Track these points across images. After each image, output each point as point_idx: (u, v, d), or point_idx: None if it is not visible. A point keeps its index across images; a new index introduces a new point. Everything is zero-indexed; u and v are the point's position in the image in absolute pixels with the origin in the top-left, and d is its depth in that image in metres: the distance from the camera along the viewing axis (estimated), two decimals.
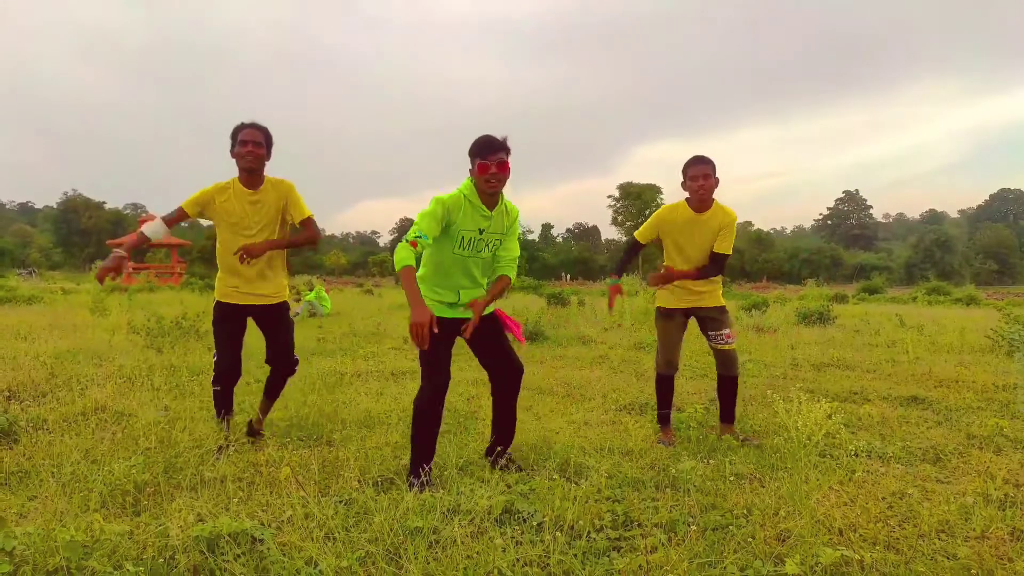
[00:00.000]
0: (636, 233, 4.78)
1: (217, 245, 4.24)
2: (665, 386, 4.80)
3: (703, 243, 4.55)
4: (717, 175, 4.44)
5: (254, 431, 4.41)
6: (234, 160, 4.08)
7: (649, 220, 4.72)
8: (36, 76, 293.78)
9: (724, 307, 4.69)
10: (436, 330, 3.27)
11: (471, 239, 3.58)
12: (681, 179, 4.52)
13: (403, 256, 3.35)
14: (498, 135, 3.53)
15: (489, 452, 3.93)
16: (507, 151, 3.50)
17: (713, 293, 4.66)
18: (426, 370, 3.59)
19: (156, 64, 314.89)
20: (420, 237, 3.37)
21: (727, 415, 4.76)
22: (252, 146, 4.02)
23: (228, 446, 4.00)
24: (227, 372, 4.19)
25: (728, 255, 4.58)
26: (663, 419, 4.78)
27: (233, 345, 4.22)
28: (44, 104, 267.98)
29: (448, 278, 3.66)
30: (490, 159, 3.46)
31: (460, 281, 3.69)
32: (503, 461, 3.76)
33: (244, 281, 4.16)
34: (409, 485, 3.43)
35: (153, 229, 4.13)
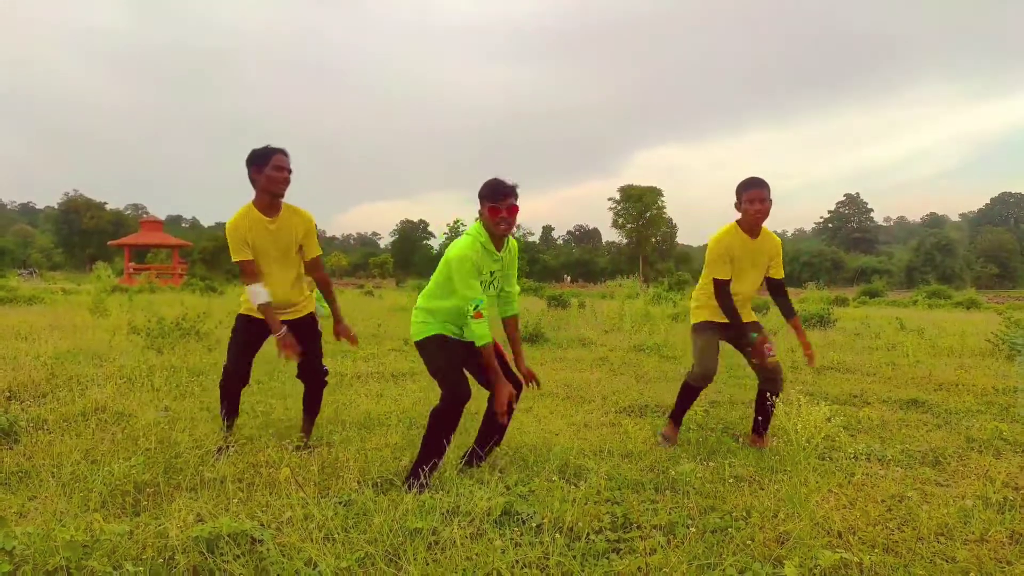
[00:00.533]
0: (715, 275, 4.37)
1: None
2: (692, 395, 4.65)
3: (760, 268, 4.48)
4: (771, 197, 4.28)
5: (305, 446, 4.29)
6: (255, 182, 3.91)
7: (717, 253, 4.36)
8: (37, 76, 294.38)
9: (758, 323, 4.56)
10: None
11: (484, 282, 3.67)
12: (735, 201, 4.34)
13: (485, 332, 3.50)
14: (508, 181, 3.62)
15: (470, 458, 3.92)
16: (516, 196, 3.60)
17: (746, 309, 4.59)
18: (449, 379, 3.62)
19: (157, 64, 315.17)
20: (480, 305, 3.50)
21: (762, 427, 4.61)
22: (287, 173, 3.92)
23: (228, 447, 4.00)
24: (234, 376, 4.17)
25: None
26: (677, 417, 4.70)
27: (246, 354, 4.19)
28: (45, 104, 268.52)
29: (459, 317, 3.71)
30: (501, 204, 3.55)
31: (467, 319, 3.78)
32: (478, 461, 3.85)
33: (279, 303, 4.07)
34: (408, 486, 3.44)
35: (260, 291, 3.95)
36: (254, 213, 3.95)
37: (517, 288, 4.00)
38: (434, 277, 3.75)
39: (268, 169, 3.86)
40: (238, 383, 4.21)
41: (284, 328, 3.88)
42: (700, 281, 4.65)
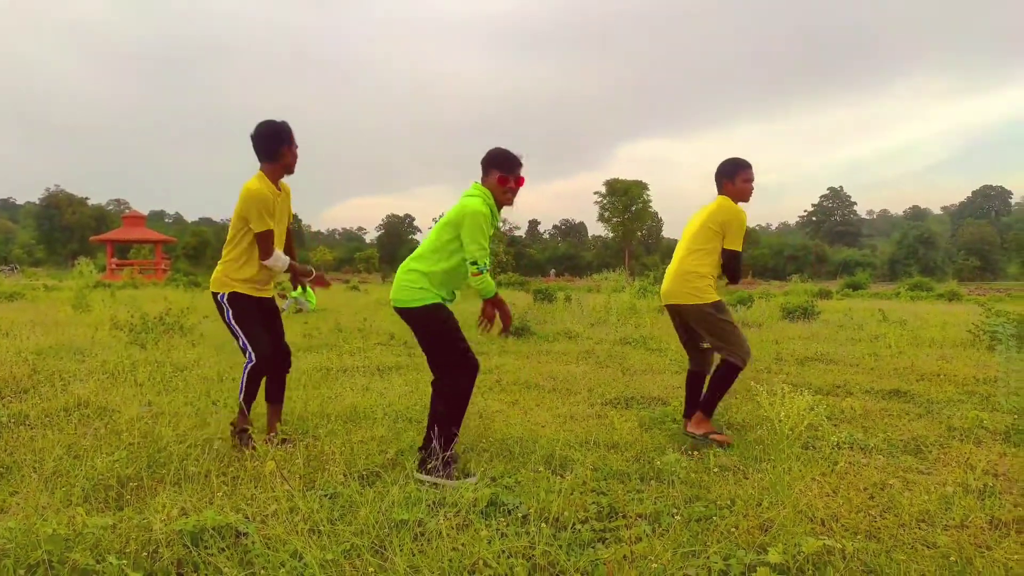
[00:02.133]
0: (738, 247, 4.45)
1: (243, 239, 4.01)
2: (735, 378, 4.51)
3: None
4: None
5: (281, 441, 4.09)
6: (282, 156, 3.99)
7: (743, 227, 4.45)
8: (17, 70, 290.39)
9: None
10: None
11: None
12: (729, 180, 4.55)
13: (489, 283, 3.57)
14: (514, 150, 3.69)
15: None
16: (522, 167, 3.69)
17: None
18: (463, 349, 3.65)
19: (140, 58, 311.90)
20: (486, 266, 3.53)
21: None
22: (297, 149, 4.08)
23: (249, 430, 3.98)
24: (274, 358, 4.13)
25: None
26: (712, 409, 4.53)
27: (273, 329, 4.19)
28: (25, 98, 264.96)
29: (456, 280, 3.72)
30: (511, 174, 3.63)
31: (460, 284, 3.80)
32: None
33: (263, 278, 4.11)
34: (447, 475, 3.43)
35: (281, 257, 4.04)
36: (265, 182, 3.99)
37: None
38: (436, 236, 3.67)
39: (295, 147, 4.02)
40: (280, 364, 4.21)
41: (312, 270, 3.99)
42: (701, 259, 4.47)
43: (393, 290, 3.74)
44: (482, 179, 3.71)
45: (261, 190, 3.91)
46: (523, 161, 3.69)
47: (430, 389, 3.74)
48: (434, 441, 3.49)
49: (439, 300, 3.66)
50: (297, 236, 4.32)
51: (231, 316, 4.06)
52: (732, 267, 4.47)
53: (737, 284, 4.56)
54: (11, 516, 2.86)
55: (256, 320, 4.10)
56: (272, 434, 4.06)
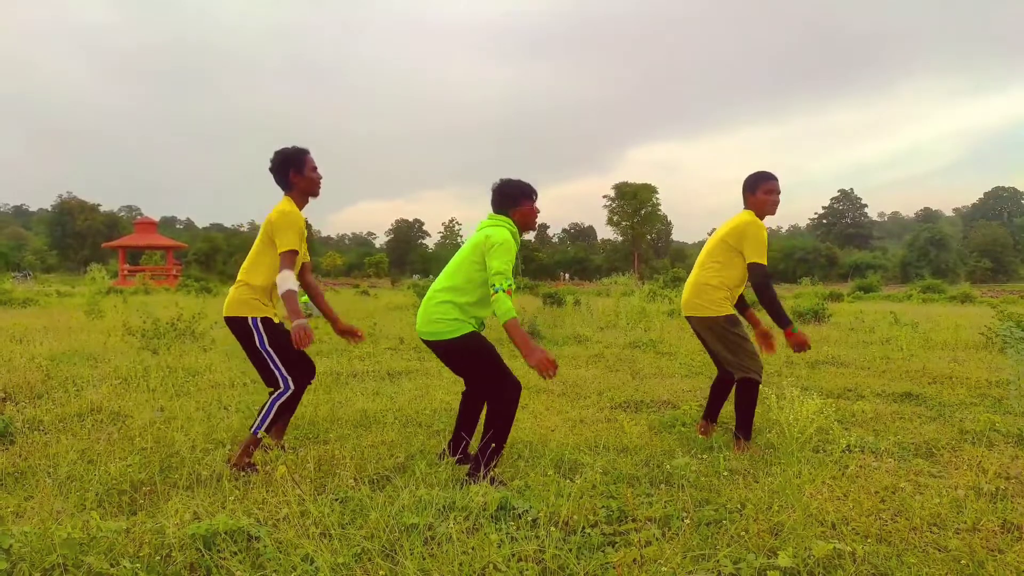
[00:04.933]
0: (761, 260, 4.29)
1: (269, 264, 3.85)
2: (757, 393, 4.42)
3: None
4: None
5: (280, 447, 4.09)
6: (294, 185, 3.89)
7: (763, 240, 4.33)
8: (30, 78, 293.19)
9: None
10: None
11: (512, 270, 3.75)
12: (751, 193, 4.44)
13: (509, 306, 3.46)
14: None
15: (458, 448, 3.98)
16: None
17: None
18: (504, 371, 3.70)
19: (150, 65, 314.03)
20: (512, 285, 3.55)
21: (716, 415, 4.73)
22: (318, 173, 3.99)
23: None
24: (307, 373, 4.08)
25: None
26: (750, 433, 4.43)
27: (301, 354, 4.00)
28: (38, 105, 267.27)
29: (481, 308, 3.76)
30: (535, 201, 3.91)
31: (488, 311, 3.82)
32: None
33: (274, 303, 3.98)
34: (491, 480, 3.47)
35: (293, 280, 3.71)
36: (295, 208, 3.89)
37: None
38: (461, 267, 3.70)
39: (307, 172, 3.90)
40: (304, 385, 4.06)
41: (305, 320, 3.68)
42: (718, 272, 4.42)
43: (423, 322, 3.70)
44: (509, 210, 3.83)
45: (295, 211, 3.83)
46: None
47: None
48: (481, 457, 3.56)
49: (472, 328, 3.71)
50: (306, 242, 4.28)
51: (265, 342, 3.82)
52: (757, 282, 4.27)
53: (769, 306, 4.23)
54: (26, 520, 2.89)
55: (288, 348, 3.81)
56: (279, 441, 4.08)
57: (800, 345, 4.24)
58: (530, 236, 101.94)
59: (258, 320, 3.82)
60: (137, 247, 52.72)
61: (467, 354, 3.71)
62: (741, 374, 4.34)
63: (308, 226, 4.21)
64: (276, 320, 3.93)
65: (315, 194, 3.99)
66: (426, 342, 3.75)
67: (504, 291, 3.46)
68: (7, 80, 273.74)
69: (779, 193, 4.45)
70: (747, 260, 4.30)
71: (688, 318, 4.60)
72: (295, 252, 3.74)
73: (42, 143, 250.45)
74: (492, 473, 3.54)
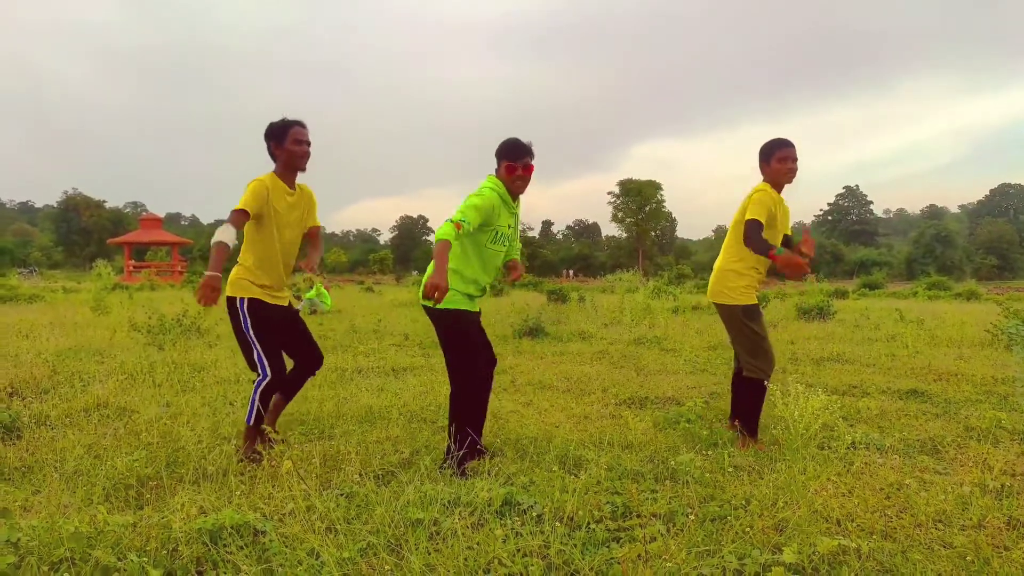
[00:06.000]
0: (759, 216, 4.16)
1: (256, 241, 3.87)
2: (764, 395, 4.36)
3: (783, 230, 4.45)
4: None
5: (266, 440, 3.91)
6: (276, 156, 3.87)
7: (761, 201, 4.20)
8: (36, 76, 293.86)
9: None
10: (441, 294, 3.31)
11: (504, 235, 3.74)
12: (765, 163, 4.33)
13: (447, 231, 3.39)
14: (524, 139, 3.72)
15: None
16: (532, 155, 3.71)
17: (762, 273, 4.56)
18: (466, 370, 3.70)
19: (155, 62, 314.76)
20: (464, 222, 3.45)
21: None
22: (307, 146, 3.87)
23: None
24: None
25: None
26: (756, 429, 4.40)
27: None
28: (43, 103, 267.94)
29: (481, 272, 3.76)
30: (518, 162, 3.67)
31: (488, 275, 3.82)
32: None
33: (276, 285, 3.94)
34: (462, 473, 3.53)
35: (230, 234, 3.63)
36: (276, 181, 3.86)
37: (519, 244, 4.13)
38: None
39: (288, 144, 3.82)
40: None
41: (216, 275, 3.52)
42: (736, 252, 4.37)
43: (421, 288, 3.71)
44: (495, 171, 3.78)
45: (260, 181, 3.80)
46: (533, 149, 3.72)
47: (446, 390, 3.80)
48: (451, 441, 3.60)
49: (465, 305, 3.71)
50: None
51: (249, 325, 3.81)
52: (748, 235, 4.14)
53: (753, 246, 4.12)
54: (34, 515, 2.91)
55: (275, 333, 3.88)
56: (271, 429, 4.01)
57: (789, 265, 4.00)
58: (535, 232, 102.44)
59: (245, 301, 3.83)
60: (142, 243, 52.85)
61: (443, 329, 3.72)
62: (750, 373, 4.34)
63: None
64: (275, 302, 3.92)
65: (299, 167, 3.91)
66: (424, 308, 3.74)
67: (453, 222, 3.43)
68: (14, 79, 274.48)
69: (795, 160, 4.27)
70: (744, 220, 4.20)
71: (714, 304, 4.58)
72: (244, 212, 3.69)
73: (48, 141, 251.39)
74: (468, 468, 3.57)
